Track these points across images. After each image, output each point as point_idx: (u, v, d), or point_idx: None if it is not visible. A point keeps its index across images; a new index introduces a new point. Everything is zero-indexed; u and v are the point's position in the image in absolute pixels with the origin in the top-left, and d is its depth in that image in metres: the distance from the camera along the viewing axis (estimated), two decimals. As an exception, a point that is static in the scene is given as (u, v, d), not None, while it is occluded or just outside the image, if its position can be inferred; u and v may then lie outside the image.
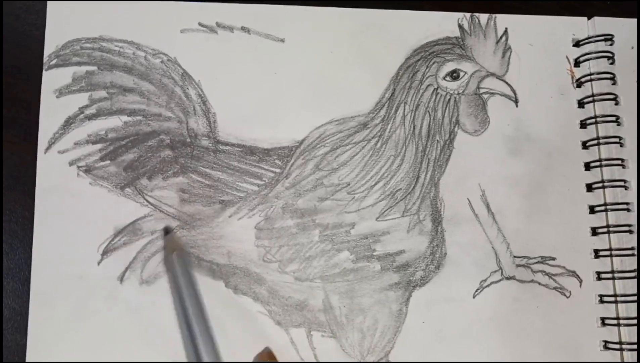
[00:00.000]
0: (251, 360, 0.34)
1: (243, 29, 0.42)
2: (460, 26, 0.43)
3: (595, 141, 0.42)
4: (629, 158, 0.42)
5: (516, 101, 0.43)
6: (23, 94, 0.40)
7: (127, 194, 0.39)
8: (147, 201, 0.39)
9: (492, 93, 0.43)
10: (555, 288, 0.41)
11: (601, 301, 0.41)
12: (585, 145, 0.43)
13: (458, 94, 0.42)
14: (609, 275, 0.41)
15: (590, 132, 0.43)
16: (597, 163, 0.42)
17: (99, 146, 0.40)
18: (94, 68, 0.40)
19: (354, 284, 0.40)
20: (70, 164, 0.39)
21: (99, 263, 0.38)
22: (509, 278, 0.40)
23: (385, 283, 0.40)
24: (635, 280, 0.40)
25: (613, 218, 0.41)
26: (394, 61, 0.42)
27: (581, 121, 0.43)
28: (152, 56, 0.41)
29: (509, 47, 0.43)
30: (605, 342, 0.40)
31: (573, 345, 0.40)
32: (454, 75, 0.42)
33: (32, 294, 0.38)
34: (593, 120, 0.42)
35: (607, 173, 0.42)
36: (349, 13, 0.43)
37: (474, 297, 0.40)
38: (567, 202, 0.42)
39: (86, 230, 0.39)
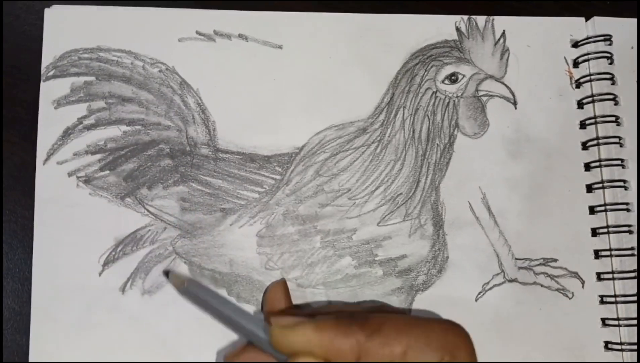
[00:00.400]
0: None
1: (241, 36, 0.42)
2: (458, 29, 0.43)
3: (595, 142, 0.42)
4: (629, 158, 0.42)
5: (515, 103, 0.43)
6: (23, 94, 0.40)
7: (127, 204, 0.39)
8: (148, 210, 0.39)
9: (491, 95, 0.43)
10: (557, 290, 0.41)
11: (602, 302, 0.41)
12: (585, 145, 0.43)
13: (457, 97, 0.42)
14: (610, 276, 0.41)
15: (589, 132, 0.43)
16: (597, 164, 0.42)
17: (98, 156, 0.40)
18: (92, 78, 0.40)
19: (357, 290, 0.40)
20: (70, 175, 0.39)
21: (100, 274, 0.38)
22: (511, 281, 0.41)
23: (387, 288, 0.40)
24: (635, 280, 0.40)
25: (613, 218, 0.42)
26: (392, 65, 0.42)
27: (581, 122, 0.43)
28: (150, 65, 0.41)
29: (507, 49, 0.43)
30: (607, 342, 0.40)
31: (577, 346, 0.40)
32: (452, 78, 0.42)
33: (33, 306, 0.37)
34: (592, 120, 0.42)
35: (607, 173, 0.42)
36: (346, 18, 0.43)
37: (476, 300, 0.40)
38: (567, 203, 0.42)
39: (87, 241, 0.38)
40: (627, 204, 0.41)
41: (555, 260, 0.41)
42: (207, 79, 0.41)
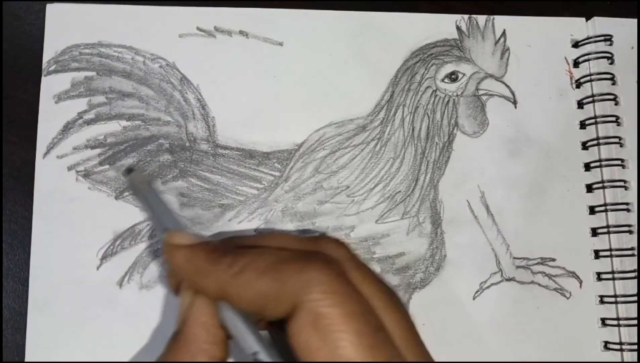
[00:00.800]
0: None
1: (241, 32, 0.42)
2: (459, 28, 0.43)
3: (595, 142, 0.42)
4: (629, 158, 0.42)
5: (515, 102, 0.43)
6: (23, 94, 0.40)
7: (126, 199, 0.39)
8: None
9: (490, 95, 0.43)
10: (555, 289, 0.41)
11: (601, 302, 0.41)
12: (585, 145, 0.43)
13: (457, 96, 0.42)
14: (609, 276, 0.41)
15: (590, 132, 0.43)
16: (597, 164, 0.42)
17: (97, 150, 0.40)
18: (93, 73, 0.40)
19: (354, 287, 0.40)
20: (69, 169, 0.39)
21: (98, 268, 0.38)
22: (509, 280, 0.40)
23: (385, 285, 0.40)
24: (635, 280, 0.40)
25: (613, 218, 0.41)
26: (392, 64, 0.42)
27: (581, 122, 0.43)
28: (151, 60, 0.41)
29: (508, 49, 0.43)
30: (606, 342, 0.40)
31: (574, 345, 0.40)
32: (452, 77, 0.42)
33: (30, 300, 0.38)
34: (593, 120, 0.42)
35: (607, 173, 0.42)
36: (347, 16, 0.43)
37: (474, 299, 0.40)
38: (567, 203, 0.42)
39: (85, 235, 0.39)
40: (627, 204, 0.41)
41: (553, 260, 0.41)
42: (207, 75, 0.41)
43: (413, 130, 0.42)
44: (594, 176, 0.42)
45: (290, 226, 0.40)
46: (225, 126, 0.41)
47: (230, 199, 0.40)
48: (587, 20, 0.44)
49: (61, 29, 0.41)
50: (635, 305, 0.40)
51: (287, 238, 0.31)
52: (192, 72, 0.41)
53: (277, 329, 0.31)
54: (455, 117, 0.42)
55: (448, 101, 0.42)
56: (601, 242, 0.41)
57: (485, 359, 0.39)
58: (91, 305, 0.38)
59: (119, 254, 0.39)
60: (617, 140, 0.42)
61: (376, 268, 0.40)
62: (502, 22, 0.43)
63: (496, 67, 0.43)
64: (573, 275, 0.41)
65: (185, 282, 0.30)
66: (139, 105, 0.40)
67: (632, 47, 0.44)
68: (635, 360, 0.39)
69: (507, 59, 0.43)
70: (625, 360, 0.40)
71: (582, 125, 0.43)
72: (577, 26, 0.44)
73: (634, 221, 0.41)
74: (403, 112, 0.42)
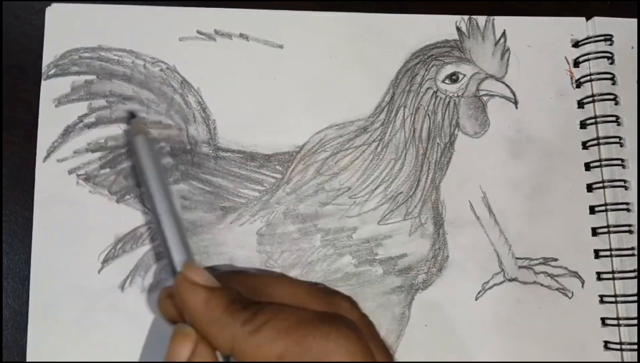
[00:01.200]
0: None
1: (241, 35, 0.42)
2: (459, 29, 0.43)
3: (595, 142, 0.42)
4: (629, 158, 0.42)
5: (516, 103, 0.43)
6: (23, 95, 0.40)
7: (127, 202, 0.39)
8: (148, 208, 0.39)
9: (491, 95, 0.43)
10: (557, 289, 0.41)
11: (602, 302, 0.41)
12: (585, 145, 0.43)
13: (457, 96, 0.42)
14: (610, 276, 0.41)
15: (590, 132, 0.43)
16: (597, 163, 0.42)
17: (98, 154, 0.40)
18: (93, 77, 0.40)
19: (357, 288, 0.40)
20: (70, 172, 0.39)
21: (99, 272, 0.38)
22: (511, 280, 0.41)
23: (387, 286, 0.40)
24: (635, 280, 0.40)
25: (613, 218, 0.42)
26: (393, 65, 0.42)
27: (581, 122, 0.43)
28: (151, 64, 0.41)
29: (508, 49, 0.43)
30: (606, 342, 0.40)
31: (577, 345, 0.40)
32: (453, 78, 0.42)
33: (31, 304, 0.37)
34: (593, 120, 0.43)
35: (607, 173, 0.42)
36: (347, 18, 0.43)
37: (476, 299, 0.40)
38: (568, 203, 0.42)
39: (86, 239, 0.38)
40: (627, 204, 0.42)
41: (556, 260, 0.41)
42: (207, 78, 0.41)
43: (414, 131, 0.42)
44: (594, 176, 0.42)
45: (292, 228, 0.40)
46: (226, 128, 0.41)
47: (231, 201, 0.40)
48: (587, 20, 0.44)
49: (61, 31, 0.40)
50: (635, 304, 0.40)
51: (297, 287, 0.30)
52: (193, 75, 0.41)
53: None
54: (457, 118, 0.42)
55: (449, 102, 0.42)
56: (601, 242, 0.42)
57: (487, 359, 0.40)
58: (93, 309, 0.38)
59: (120, 257, 0.39)
60: (617, 140, 0.42)
61: (378, 269, 0.40)
62: (502, 22, 0.44)
63: (497, 67, 0.43)
64: (575, 274, 0.41)
65: (191, 323, 0.29)
66: (139, 108, 0.40)
67: (632, 47, 0.44)
68: (635, 360, 0.40)
69: (508, 60, 0.43)
70: (625, 360, 0.40)
71: (583, 125, 0.43)
72: (577, 26, 0.44)
73: (634, 221, 0.41)
74: (404, 113, 0.42)
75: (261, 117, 0.41)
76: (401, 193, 0.41)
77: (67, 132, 0.39)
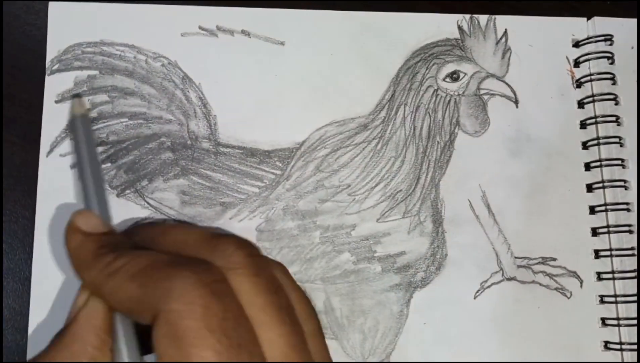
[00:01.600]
0: None
1: (243, 32, 0.42)
2: (460, 28, 0.43)
3: (595, 141, 0.42)
4: (629, 158, 0.42)
5: (516, 102, 0.43)
6: (23, 94, 0.40)
7: (127, 197, 0.39)
8: (148, 203, 0.39)
9: (492, 94, 0.43)
10: (556, 289, 0.41)
11: (602, 302, 0.41)
12: (585, 145, 0.43)
13: (458, 95, 0.42)
14: (609, 276, 0.41)
15: (590, 132, 0.43)
16: (597, 163, 0.42)
17: (100, 149, 0.40)
18: (96, 72, 0.40)
19: (355, 285, 0.40)
20: (72, 167, 0.39)
21: (100, 266, 0.38)
22: (509, 279, 0.41)
23: (386, 284, 0.40)
24: (636, 280, 0.40)
25: (613, 218, 0.41)
26: (393, 63, 0.42)
27: (581, 122, 0.43)
28: (153, 59, 0.41)
29: (509, 48, 0.43)
30: (606, 342, 0.40)
31: (574, 345, 0.40)
32: (453, 76, 0.42)
33: (32, 299, 0.38)
34: (593, 120, 0.43)
35: (607, 173, 0.42)
36: (349, 16, 0.43)
37: (475, 298, 0.40)
38: (567, 202, 0.42)
39: (88, 233, 0.39)
40: (627, 204, 0.41)
41: (554, 259, 0.41)
42: (209, 74, 0.41)
43: (414, 129, 0.42)
44: (594, 175, 0.42)
45: (291, 224, 0.40)
46: (226, 124, 0.41)
47: (231, 197, 0.40)
48: (587, 20, 0.44)
49: (64, 27, 0.41)
50: (635, 304, 0.40)
51: (188, 233, 0.29)
52: (194, 71, 0.41)
53: None
54: (457, 117, 0.42)
55: (449, 101, 0.42)
56: (601, 242, 0.41)
57: (486, 359, 0.39)
58: (93, 302, 0.38)
59: (120, 252, 0.39)
60: (617, 140, 0.42)
61: (377, 267, 0.40)
62: (504, 21, 0.44)
63: (497, 66, 0.43)
64: (574, 274, 0.41)
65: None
66: (141, 103, 0.41)
67: (632, 47, 0.44)
68: (635, 360, 0.39)
69: (509, 59, 0.43)
70: (625, 360, 0.40)
71: (583, 125, 0.43)
72: (577, 26, 0.44)
73: (634, 221, 0.41)
74: (404, 111, 0.42)
75: (262, 114, 0.41)
76: (400, 190, 0.41)
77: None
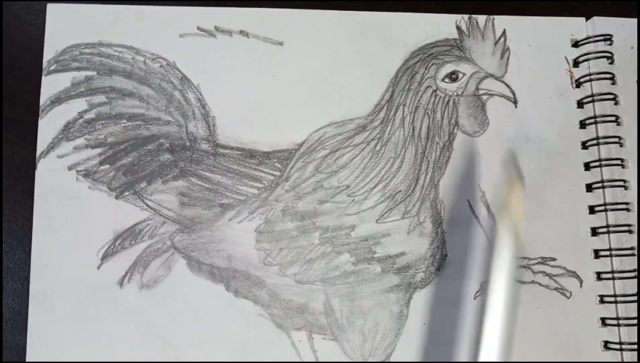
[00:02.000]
0: None
1: (242, 32, 0.42)
2: (459, 28, 0.43)
3: (595, 141, 0.42)
4: (629, 158, 0.42)
5: (515, 102, 0.43)
6: (23, 94, 0.40)
7: (126, 198, 0.39)
8: (147, 204, 0.39)
9: (491, 94, 0.43)
10: (556, 289, 0.41)
11: (601, 302, 0.41)
12: (584, 145, 0.43)
13: (457, 95, 0.42)
14: (609, 275, 0.41)
15: (589, 132, 0.43)
16: (597, 163, 0.42)
17: (98, 150, 0.40)
18: (93, 73, 0.40)
19: (355, 286, 0.40)
20: (69, 168, 0.39)
21: (98, 268, 0.38)
22: (509, 279, 0.40)
23: (385, 285, 0.40)
24: (635, 280, 0.40)
25: (613, 218, 0.41)
26: (392, 63, 0.42)
27: (581, 121, 0.43)
28: (151, 60, 0.41)
29: (508, 48, 0.43)
30: (606, 342, 0.40)
31: (574, 345, 0.40)
32: (452, 76, 0.42)
33: (31, 299, 0.38)
34: (592, 120, 0.42)
35: (607, 173, 0.42)
36: (348, 16, 0.43)
37: (474, 298, 0.40)
38: (567, 202, 0.42)
39: (85, 235, 0.39)
40: (627, 204, 0.41)
41: (554, 259, 0.41)
42: (207, 74, 0.41)
43: (413, 130, 0.42)
44: (594, 175, 0.42)
45: (290, 225, 0.40)
46: (225, 125, 0.41)
47: (230, 198, 0.40)
48: (587, 20, 0.44)
49: (62, 28, 0.41)
50: (635, 304, 0.40)
51: None
52: (193, 71, 0.41)
53: None
54: (456, 117, 0.42)
55: (448, 101, 0.42)
56: (601, 242, 0.41)
57: (485, 359, 0.39)
58: (92, 304, 0.38)
59: (119, 254, 0.39)
60: (617, 140, 0.42)
61: (377, 268, 0.40)
62: (502, 22, 0.44)
63: (496, 66, 0.43)
64: (573, 274, 0.41)
65: None
66: (139, 105, 0.40)
67: (632, 47, 0.44)
68: (635, 360, 0.39)
69: (508, 59, 0.43)
70: (625, 360, 0.40)
71: (582, 125, 0.43)
72: (577, 26, 0.44)
73: (634, 221, 0.41)
74: (403, 112, 0.42)
75: (261, 115, 0.41)
76: (400, 191, 0.41)
77: (67, 128, 0.40)
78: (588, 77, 0.43)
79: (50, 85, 0.40)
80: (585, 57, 0.43)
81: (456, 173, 0.41)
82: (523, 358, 0.40)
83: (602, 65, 0.43)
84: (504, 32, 0.43)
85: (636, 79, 0.43)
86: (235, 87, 0.41)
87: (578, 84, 0.43)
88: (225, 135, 0.41)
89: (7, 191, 0.39)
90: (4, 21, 0.41)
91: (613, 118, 0.42)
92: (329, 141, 0.41)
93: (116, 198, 0.39)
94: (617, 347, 0.40)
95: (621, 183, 0.42)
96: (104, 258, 0.38)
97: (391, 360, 0.39)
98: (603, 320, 0.40)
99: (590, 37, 0.44)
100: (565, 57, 0.44)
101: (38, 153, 0.39)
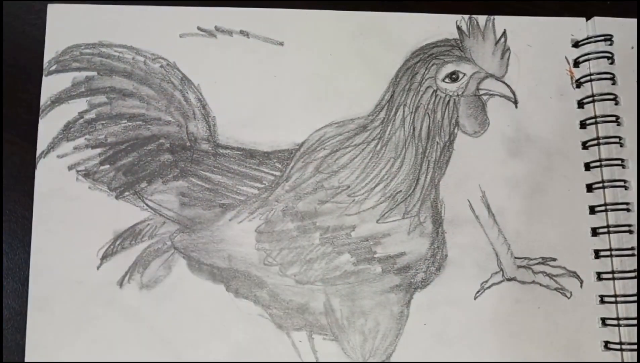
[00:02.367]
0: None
1: (242, 32, 0.42)
2: (459, 28, 0.43)
3: (595, 141, 0.42)
4: (629, 158, 0.42)
5: (516, 102, 0.43)
6: (23, 94, 0.40)
7: (126, 199, 0.39)
8: (147, 205, 0.39)
9: (491, 94, 0.43)
10: (556, 289, 0.41)
11: (602, 302, 0.41)
12: (585, 145, 0.43)
13: (457, 95, 0.42)
14: (609, 276, 0.41)
15: (590, 132, 0.43)
16: (597, 163, 0.42)
17: (98, 150, 0.40)
18: (94, 73, 0.40)
19: (355, 286, 0.40)
20: (70, 168, 0.39)
21: (98, 268, 0.38)
22: (510, 279, 0.40)
23: (386, 285, 0.40)
24: (635, 280, 0.40)
25: (613, 218, 0.41)
26: (393, 63, 0.42)
27: (581, 122, 0.43)
28: (152, 60, 0.41)
29: (508, 49, 0.43)
30: (606, 342, 0.40)
31: (574, 345, 0.40)
32: (453, 77, 0.42)
33: (30, 299, 0.38)
34: (593, 120, 0.42)
35: (607, 173, 0.42)
36: (348, 16, 0.43)
37: (475, 299, 0.40)
38: (567, 202, 0.42)
39: (85, 235, 0.39)
40: (627, 204, 0.41)
41: (554, 259, 0.41)
42: (208, 75, 0.41)
43: (414, 130, 0.42)
44: (594, 175, 0.42)
45: (291, 225, 0.40)
46: (225, 125, 0.41)
47: (230, 198, 0.40)
48: (587, 20, 0.44)
49: (62, 29, 0.41)
50: (635, 304, 0.40)
51: None
52: (193, 72, 0.41)
53: None
54: (456, 117, 0.42)
55: (449, 101, 0.42)
56: (601, 242, 0.41)
57: (486, 359, 0.39)
58: (91, 304, 0.38)
59: (119, 254, 0.39)
60: (617, 140, 0.42)
61: (377, 268, 0.40)
62: (503, 22, 0.44)
63: (497, 67, 0.43)
64: (574, 274, 0.41)
65: None
66: (139, 105, 0.40)
67: (632, 47, 0.44)
68: (635, 360, 0.39)
69: (508, 59, 0.43)
70: (625, 360, 0.40)
71: (582, 125, 0.43)
72: (577, 26, 0.44)
73: (634, 221, 0.41)
74: (404, 112, 0.42)
75: (261, 115, 0.41)
76: (400, 191, 0.41)
77: (68, 128, 0.40)
78: (588, 78, 0.43)
79: (50, 85, 0.40)
80: (586, 57, 0.43)
81: (457, 173, 0.41)
82: (523, 358, 0.40)
83: (602, 65, 0.43)
84: (504, 32, 0.43)
85: (636, 79, 0.43)
86: (235, 88, 0.41)
87: (578, 84, 0.43)
88: (226, 135, 0.40)
89: (7, 191, 0.39)
90: (4, 21, 0.41)
91: (613, 118, 0.42)
92: (330, 141, 0.41)
93: (116, 198, 0.39)
94: (617, 347, 0.40)
95: (621, 183, 0.42)
96: (104, 258, 0.38)
97: (392, 360, 0.39)
98: (603, 320, 0.40)
99: (590, 38, 0.44)
100: (566, 58, 0.44)
101: (38, 153, 0.39)
